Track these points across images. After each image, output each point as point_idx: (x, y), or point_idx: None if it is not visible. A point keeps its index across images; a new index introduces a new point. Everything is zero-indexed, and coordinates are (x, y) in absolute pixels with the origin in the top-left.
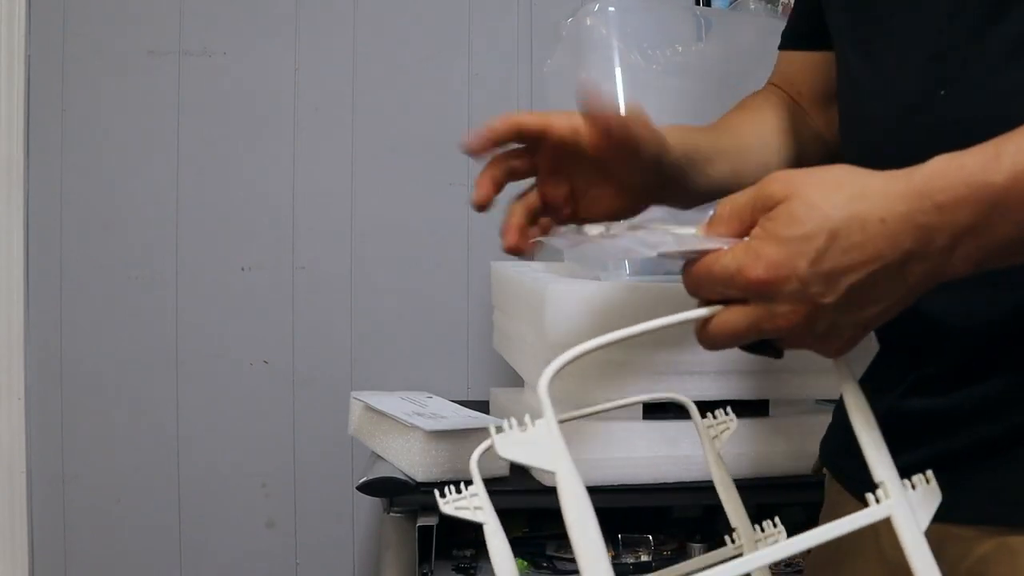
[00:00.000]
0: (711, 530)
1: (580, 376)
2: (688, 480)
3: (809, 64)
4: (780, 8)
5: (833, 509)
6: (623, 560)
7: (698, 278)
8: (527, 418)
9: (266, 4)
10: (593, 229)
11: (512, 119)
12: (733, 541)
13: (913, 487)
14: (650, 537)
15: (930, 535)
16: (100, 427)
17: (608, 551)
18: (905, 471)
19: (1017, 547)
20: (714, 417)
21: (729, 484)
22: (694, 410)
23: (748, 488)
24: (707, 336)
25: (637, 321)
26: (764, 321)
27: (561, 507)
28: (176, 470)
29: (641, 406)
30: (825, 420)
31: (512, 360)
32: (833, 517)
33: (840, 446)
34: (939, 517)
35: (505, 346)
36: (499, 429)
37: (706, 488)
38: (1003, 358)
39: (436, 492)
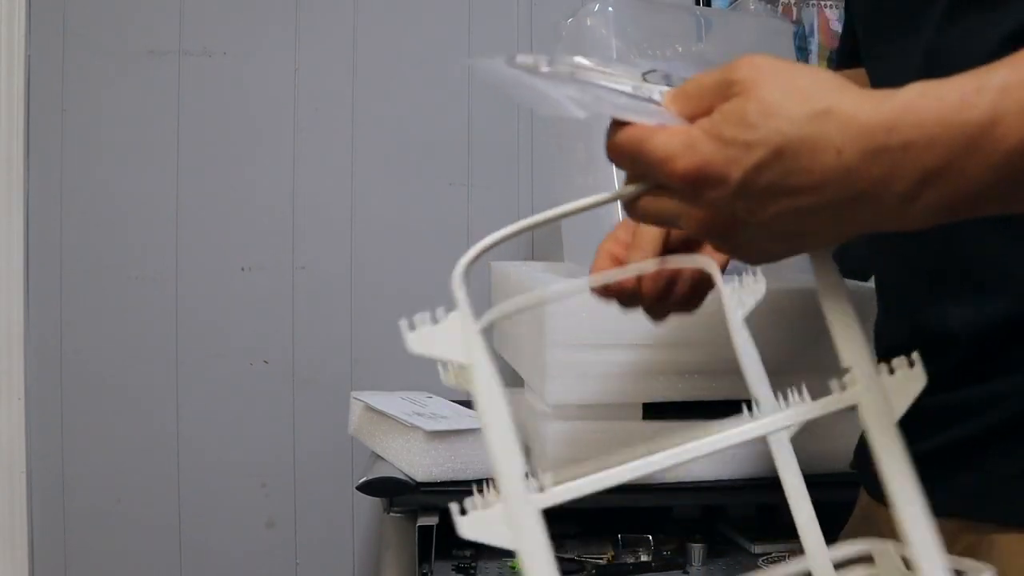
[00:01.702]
0: (711, 530)
1: (580, 376)
2: (688, 480)
3: (853, 80)
4: (780, 8)
5: (862, 512)
6: (623, 560)
7: (622, 148)
8: (440, 311)
9: (266, 4)
10: (549, 63)
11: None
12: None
13: (892, 371)
14: (650, 537)
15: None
16: (100, 427)
17: (608, 551)
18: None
19: (998, 543)
20: (740, 284)
21: (753, 352)
22: (717, 275)
23: (748, 488)
24: (634, 213)
25: (638, 321)
26: (681, 217)
27: (475, 404)
28: (176, 470)
29: (641, 406)
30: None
31: (512, 360)
32: (861, 520)
33: (861, 451)
34: (941, 511)
35: (505, 346)
36: (411, 325)
37: (706, 488)
38: (993, 360)
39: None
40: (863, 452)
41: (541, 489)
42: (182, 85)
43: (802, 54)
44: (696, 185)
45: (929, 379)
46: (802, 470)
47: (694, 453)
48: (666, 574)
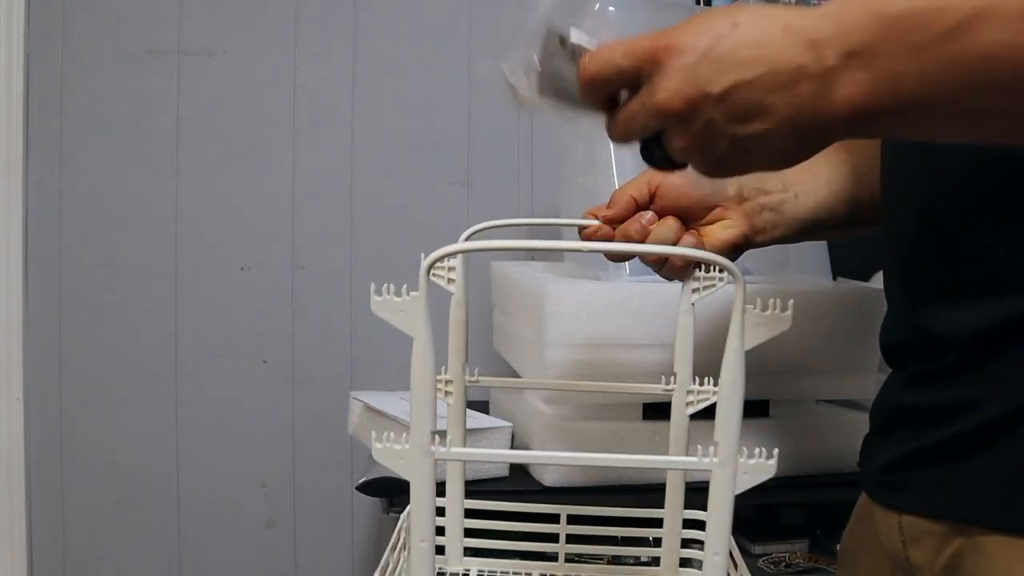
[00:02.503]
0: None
1: (579, 377)
2: (689, 480)
3: None
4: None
5: (861, 511)
6: (623, 560)
7: (595, 63)
8: (404, 288)
9: (266, 4)
10: None
11: (626, 197)
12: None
13: (750, 456)
14: (650, 537)
15: (909, 528)
16: (100, 427)
17: (608, 551)
18: (895, 463)
19: (985, 546)
20: (704, 271)
21: (688, 336)
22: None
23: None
24: (615, 131)
25: (637, 321)
26: (648, 98)
27: (412, 369)
28: (176, 470)
29: (641, 407)
30: (825, 420)
31: (512, 360)
32: (859, 520)
33: (864, 452)
34: (917, 511)
35: (505, 346)
36: (379, 293)
37: (706, 488)
38: (986, 363)
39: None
40: (866, 453)
41: (443, 446)
42: (182, 85)
43: None
44: (662, 52)
45: (923, 379)
46: (806, 470)
47: (592, 462)
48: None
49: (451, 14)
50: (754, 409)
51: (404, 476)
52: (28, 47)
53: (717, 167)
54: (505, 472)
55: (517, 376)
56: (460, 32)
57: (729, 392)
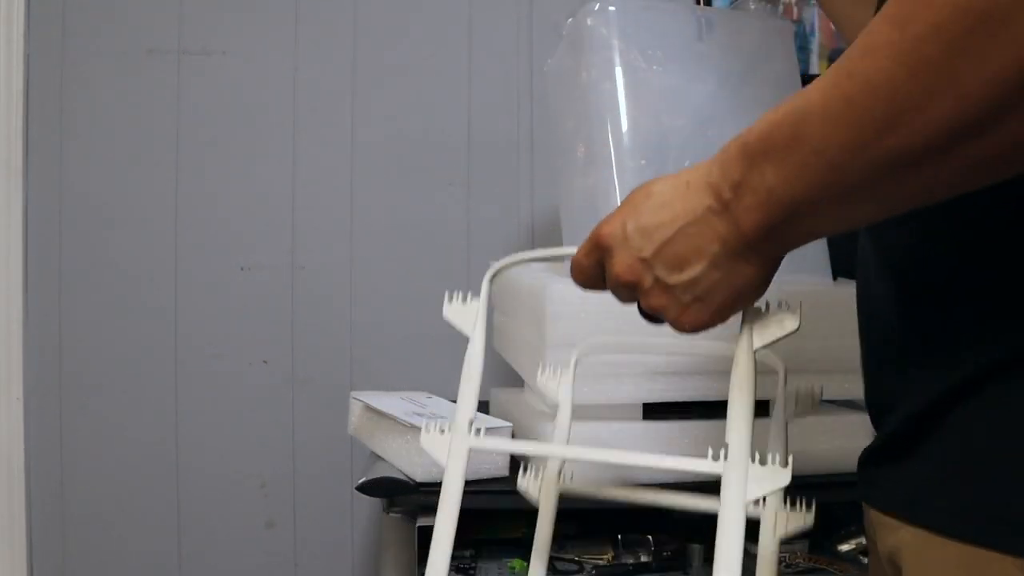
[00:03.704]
0: (711, 531)
1: (579, 377)
2: (688, 481)
3: None
4: (781, 8)
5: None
6: (623, 560)
7: (573, 271)
8: (469, 295)
9: (266, 4)
10: None
11: None
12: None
13: (763, 462)
14: (650, 537)
15: (872, 519)
16: (100, 427)
17: (608, 551)
18: (864, 458)
19: (913, 541)
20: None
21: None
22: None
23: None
24: (619, 301)
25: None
26: (609, 276)
27: (465, 363)
28: (176, 470)
29: (641, 406)
30: (825, 420)
31: (512, 360)
32: (878, 527)
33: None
34: (873, 503)
35: (505, 346)
36: (450, 298)
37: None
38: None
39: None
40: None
41: (478, 434)
42: (182, 85)
43: (802, 54)
44: (605, 238)
45: (876, 364)
46: (807, 470)
47: (636, 461)
48: (666, 575)
49: (451, 14)
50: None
51: (440, 461)
52: (28, 47)
53: (687, 316)
54: (505, 472)
55: (518, 376)
56: (460, 32)
57: (739, 392)
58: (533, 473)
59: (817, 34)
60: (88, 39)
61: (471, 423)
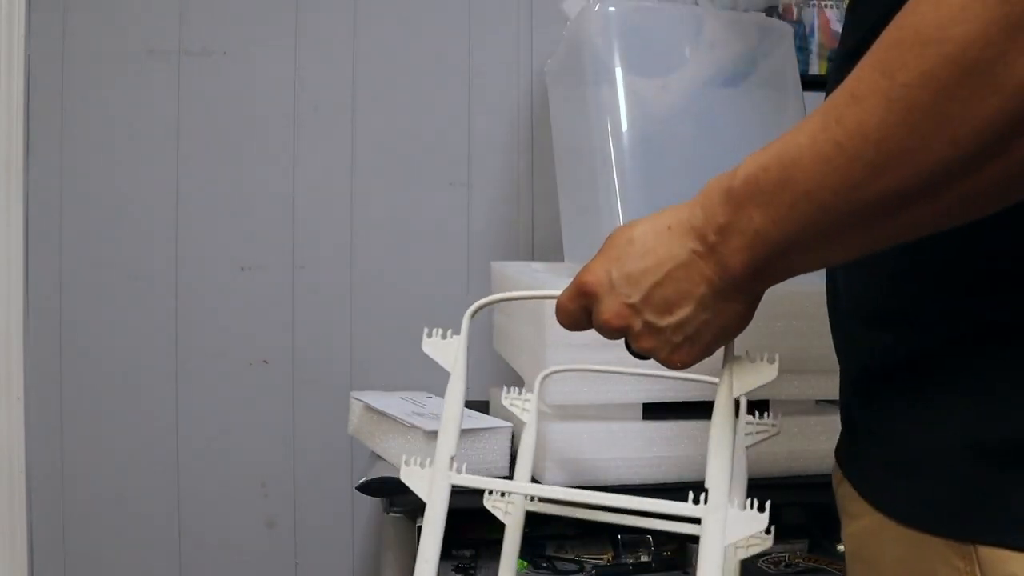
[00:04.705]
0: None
1: (579, 377)
2: (688, 480)
3: None
4: (780, 8)
5: (843, 505)
6: (623, 560)
7: (558, 316)
8: (449, 332)
9: (266, 4)
10: None
11: None
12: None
13: (742, 507)
14: (650, 537)
15: (845, 491)
16: (100, 427)
17: (608, 551)
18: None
19: (874, 526)
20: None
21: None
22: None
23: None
24: (557, 318)
25: None
26: (597, 321)
27: (445, 399)
28: (176, 470)
29: (641, 407)
30: (825, 420)
31: (512, 360)
32: (843, 515)
33: (846, 450)
34: (849, 478)
35: (505, 346)
36: (429, 333)
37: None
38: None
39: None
40: (844, 449)
41: (458, 472)
42: (182, 85)
43: (802, 54)
44: (590, 286)
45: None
46: (807, 470)
47: (606, 501)
48: (666, 574)
49: (451, 14)
50: (754, 409)
51: (422, 496)
52: (28, 47)
53: (678, 355)
54: (505, 472)
55: (518, 376)
56: (460, 32)
57: (718, 437)
58: (498, 494)
59: (817, 34)
60: (88, 39)
61: (452, 460)
